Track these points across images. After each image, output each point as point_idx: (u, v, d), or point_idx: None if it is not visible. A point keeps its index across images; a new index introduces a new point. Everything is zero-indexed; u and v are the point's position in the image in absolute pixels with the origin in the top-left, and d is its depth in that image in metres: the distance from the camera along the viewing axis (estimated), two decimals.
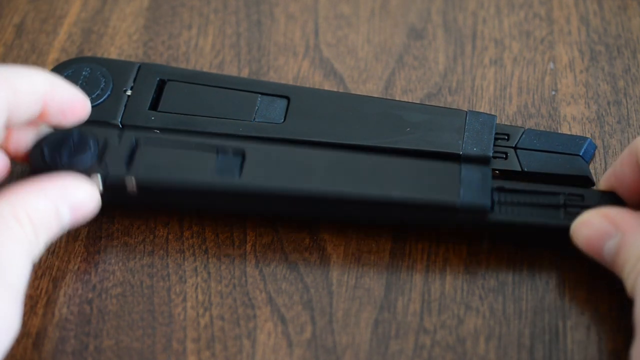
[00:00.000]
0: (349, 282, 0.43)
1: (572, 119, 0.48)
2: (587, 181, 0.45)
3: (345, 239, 0.45)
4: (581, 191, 0.43)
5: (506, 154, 0.46)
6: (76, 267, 0.44)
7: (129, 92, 0.47)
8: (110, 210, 0.45)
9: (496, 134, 0.46)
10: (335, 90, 0.50)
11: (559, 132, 0.48)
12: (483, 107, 0.49)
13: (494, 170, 0.46)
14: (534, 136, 0.46)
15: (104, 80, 0.47)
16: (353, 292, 0.43)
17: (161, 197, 0.44)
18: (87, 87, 0.47)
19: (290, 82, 0.50)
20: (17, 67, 0.41)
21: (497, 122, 0.47)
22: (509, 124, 0.48)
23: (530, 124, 0.48)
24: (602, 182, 0.43)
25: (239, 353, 0.41)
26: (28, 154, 0.43)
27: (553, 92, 0.50)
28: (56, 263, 0.44)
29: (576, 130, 0.48)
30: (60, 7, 0.54)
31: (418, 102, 0.49)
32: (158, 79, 0.48)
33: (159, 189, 0.43)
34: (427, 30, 0.53)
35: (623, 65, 0.50)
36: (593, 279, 0.43)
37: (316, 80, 0.51)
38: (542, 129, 0.48)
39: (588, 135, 0.48)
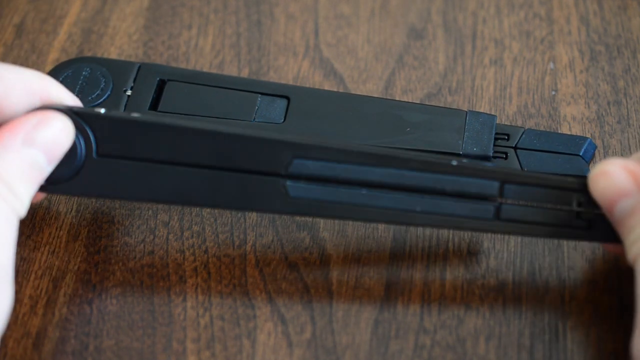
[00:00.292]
0: (349, 282, 0.43)
1: (572, 119, 0.48)
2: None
3: (345, 239, 0.45)
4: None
5: (506, 154, 0.46)
6: (76, 267, 0.44)
7: (129, 92, 0.47)
8: (110, 210, 0.45)
9: (496, 134, 0.46)
10: (335, 90, 0.50)
11: (559, 132, 0.48)
12: (483, 107, 0.49)
13: None
14: (534, 136, 0.46)
15: (104, 80, 0.47)
16: (353, 292, 0.43)
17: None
18: (87, 87, 0.47)
19: (290, 82, 0.50)
20: (7, 64, 0.40)
21: (497, 122, 0.47)
22: (509, 124, 0.48)
23: (530, 124, 0.48)
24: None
25: (239, 353, 0.41)
26: None
27: (553, 92, 0.50)
28: (56, 263, 0.44)
29: (576, 130, 0.48)
30: (60, 7, 0.54)
31: (418, 102, 0.49)
32: (158, 79, 0.48)
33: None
34: (427, 30, 0.53)
35: (623, 65, 0.50)
36: (593, 279, 0.43)
37: (316, 80, 0.51)
38: (542, 129, 0.48)
39: (588, 135, 0.48)
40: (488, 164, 0.42)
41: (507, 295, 0.42)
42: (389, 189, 0.41)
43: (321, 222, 0.45)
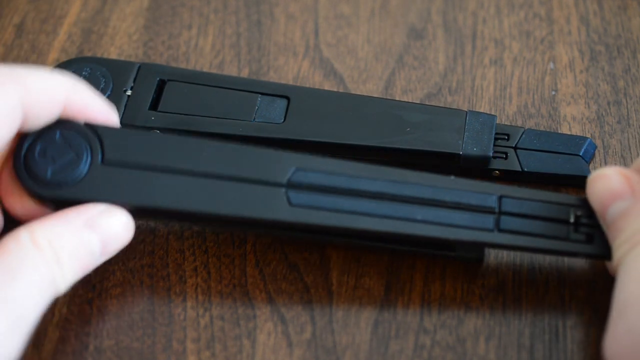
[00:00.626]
0: (349, 282, 0.43)
1: (572, 119, 0.48)
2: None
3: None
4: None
5: (506, 154, 0.46)
6: None
7: (129, 92, 0.47)
8: None
9: (496, 134, 0.46)
10: (335, 90, 0.50)
11: (559, 132, 0.48)
12: (483, 107, 0.49)
13: (494, 170, 0.46)
14: (534, 136, 0.46)
15: (104, 80, 0.47)
16: (353, 292, 0.43)
17: None
18: None
19: (290, 82, 0.50)
20: (33, 68, 0.40)
21: (497, 122, 0.47)
22: (509, 124, 0.48)
23: (530, 124, 0.48)
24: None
25: (239, 353, 0.41)
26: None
27: (553, 92, 0.50)
28: None
29: (576, 130, 0.48)
30: (60, 7, 0.54)
31: (418, 102, 0.49)
32: (158, 79, 0.48)
33: None
34: (427, 30, 0.53)
35: (623, 65, 0.50)
36: (593, 279, 0.43)
37: (316, 80, 0.51)
38: (542, 129, 0.48)
39: (588, 135, 0.48)
40: (485, 182, 0.42)
41: (507, 295, 0.42)
42: (389, 200, 0.41)
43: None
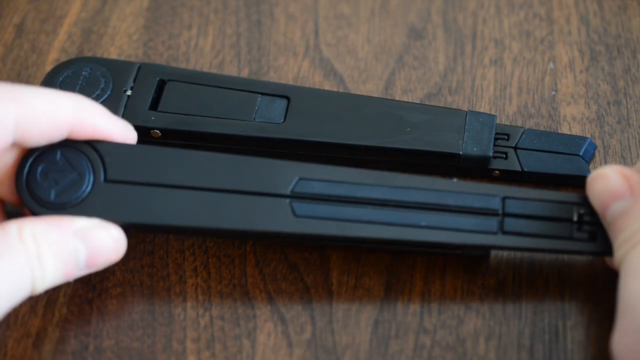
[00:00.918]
0: (349, 282, 0.43)
1: (572, 119, 0.48)
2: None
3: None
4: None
5: (506, 154, 0.46)
6: None
7: (129, 92, 0.47)
8: None
9: (496, 134, 0.46)
10: (335, 90, 0.50)
11: (559, 132, 0.48)
12: (483, 107, 0.49)
13: (494, 170, 0.46)
14: (533, 136, 0.46)
15: (104, 80, 0.47)
16: (353, 292, 0.43)
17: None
18: (87, 87, 0.47)
19: (290, 82, 0.50)
20: (39, 88, 0.40)
21: (497, 122, 0.47)
22: (509, 124, 0.48)
23: (530, 124, 0.48)
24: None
25: (239, 353, 0.41)
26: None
27: (553, 92, 0.50)
28: None
29: (576, 130, 0.48)
30: (60, 7, 0.54)
31: (418, 102, 0.49)
32: (158, 79, 0.48)
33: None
34: (427, 30, 0.53)
35: (623, 65, 0.50)
36: (593, 279, 0.43)
37: (316, 80, 0.51)
38: (542, 129, 0.48)
39: (588, 135, 0.48)
40: (488, 183, 0.42)
41: (507, 295, 0.42)
42: (393, 206, 0.41)
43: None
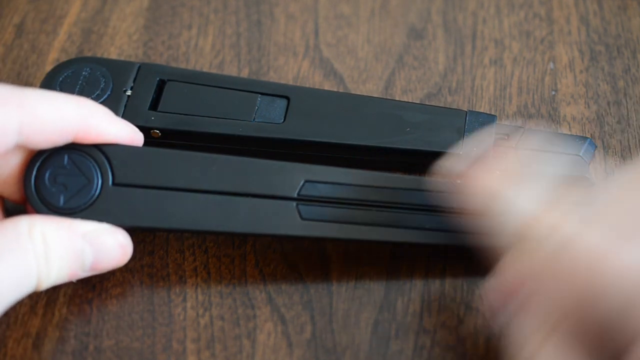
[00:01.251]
0: (349, 282, 0.43)
1: (572, 119, 0.48)
2: (586, 181, 0.45)
3: None
4: None
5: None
6: None
7: (129, 92, 0.47)
8: None
9: (496, 134, 0.46)
10: (335, 90, 0.50)
11: (559, 132, 0.48)
12: (483, 107, 0.49)
13: None
14: (533, 136, 0.46)
15: (103, 80, 0.47)
16: (353, 292, 0.43)
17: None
18: (87, 87, 0.47)
19: (290, 82, 0.50)
20: (45, 92, 0.40)
21: (497, 122, 0.47)
22: (509, 124, 0.48)
23: (530, 124, 0.48)
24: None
25: (239, 353, 0.41)
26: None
27: (553, 92, 0.50)
28: None
29: (576, 130, 0.48)
30: (60, 7, 0.54)
31: (418, 102, 0.49)
32: (158, 79, 0.48)
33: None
34: (427, 30, 0.53)
35: (623, 65, 0.50)
36: None
37: (316, 80, 0.51)
38: (542, 129, 0.48)
39: (588, 135, 0.48)
40: None
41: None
42: (399, 209, 0.42)
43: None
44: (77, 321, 0.42)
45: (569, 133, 0.48)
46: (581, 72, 0.50)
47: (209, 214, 0.41)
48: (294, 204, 0.41)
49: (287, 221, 0.41)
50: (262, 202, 0.41)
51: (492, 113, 0.48)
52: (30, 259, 0.38)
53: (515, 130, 0.46)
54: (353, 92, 0.50)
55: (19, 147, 0.40)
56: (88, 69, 0.48)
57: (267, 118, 0.46)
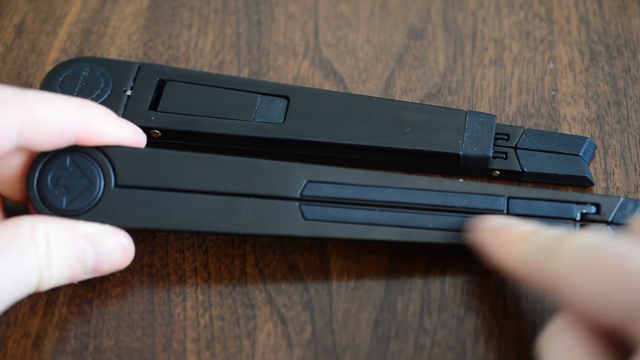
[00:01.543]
0: (349, 282, 0.43)
1: (572, 119, 0.48)
2: (586, 181, 0.45)
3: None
4: (597, 199, 0.42)
5: (506, 154, 0.46)
6: None
7: (128, 92, 0.47)
8: None
9: (496, 134, 0.46)
10: (335, 90, 0.50)
11: (559, 132, 0.48)
12: (483, 107, 0.49)
13: (494, 170, 0.46)
14: (533, 136, 0.46)
15: (103, 80, 0.47)
16: (353, 292, 0.43)
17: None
18: (87, 87, 0.47)
19: (290, 82, 0.50)
20: (47, 94, 0.40)
21: (497, 122, 0.47)
22: (509, 124, 0.48)
23: (530, 124, 0.48)
24: None
25: (238, 353, 0.41)
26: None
27: (553, 92, 0.50)
28: None
29: (576, 131, 0.48)
30: (60, 7, 0.54)
31: (418, 102, 0.49)
32: (158, 79, 0.48)
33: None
34: (427, 30, 0.53)
35: (623, 65, 0.50)
36: None
37: (316, 80, 0.51)
38: (542, 129, 0.48)
39: (588, 135, 0.48)
40: (492, 184, 0.43)
41: (507, 295, 0.42)
42: (401, 208, 0.42)
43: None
44: (77, 321, 0.42)
45: (569, 133, 0.48)
46: (581, 72, 0.50)
47: (212, 215, 0.41)
48: (297, 204, 0.42)
49: (290, 221, 0.41)
50: (265, 203, 0.41)
51: (492, 113, 0.48)
52: (31, 259, 0.38)
53: (515, 130, 0.46)
54: (353, 92, 0.50)
55: (21, 148, 0.40)
56: (88, 69, 0.48)
57: (267, 118, 0.46)
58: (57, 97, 0.40)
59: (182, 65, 0.51)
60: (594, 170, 0.46)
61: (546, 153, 0.46)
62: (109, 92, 0.47)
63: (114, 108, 0.46)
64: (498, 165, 0.46)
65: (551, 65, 0.51)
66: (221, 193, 0.42)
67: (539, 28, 0.52)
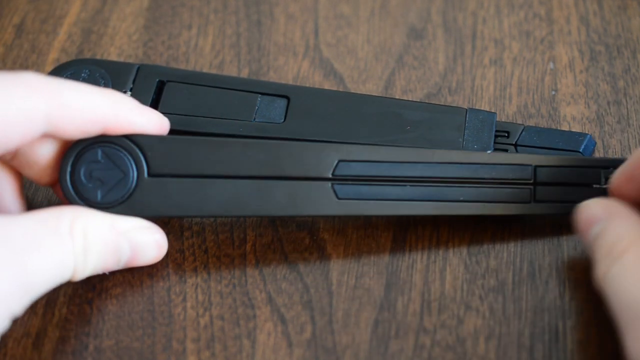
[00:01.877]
0: (349, 282, 0.43)
1: (572, 119, 0.48)
2: None
3: (345, 238, 0.45)
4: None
5: (506, 151, 0.46)
6: None
7: (128, 94, 0.47)
8: None
9: (496, 131, 0.46)
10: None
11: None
12: (483, 107, 0.49)
13: None
14: (533, 133, 0.46)
15: (103, 82, 0.47)
16: (353, 292, 0.43)
17: None
18: None
19: (290, 82, 0.50)
20: (73, 82, 0.40)
21: (497, 119, 0.47)
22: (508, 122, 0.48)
23: (530, 124, 0.48)
24: (613, 180, 0.42)
25: (238, 353, 0.41)
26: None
27: (553, 92, 0.50)
28: None
29: (576, 130, 0.48)
30: (60, 7, 0.54)
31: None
32: (157, 80, 0.48)
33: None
34: (427, 30, 0.53)
35: (623, 65, 0.50)
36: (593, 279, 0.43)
37: (316, 80, 0.51)
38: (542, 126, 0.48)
39: None
40: (519, 154, 0.45)
41: (507, 295, 0.42)
42: (432, 182, 0.43)
43: (321, 222, 0.45)
44: (77, 321, 0.42)
45: None
46: (581, 72, 0.50)
47: (245, 199, 0.42)
48: (329, 184, 0.42)
49: (324, 201, 0.42)
50: (298, 184, 0.42)
51: None
52: (68, 252, 0.39)
53: (515, 127, 0.46)
54: (353, 92, 0.50)
55: (48, 135, 0.40)
56: (87, 70, 0.48)
57: (268, 118, 0.47)
58: (84, 85, 0.40)
59: (182, 65, 0.51)
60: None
61: (546, 150, 0.46)
62: None
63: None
64: None
65: (551, 65, 0.51)
66: (254, 177, 0.42)
67: (539, 28, 0.52)
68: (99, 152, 0.41)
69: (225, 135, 0.46)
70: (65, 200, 0.42)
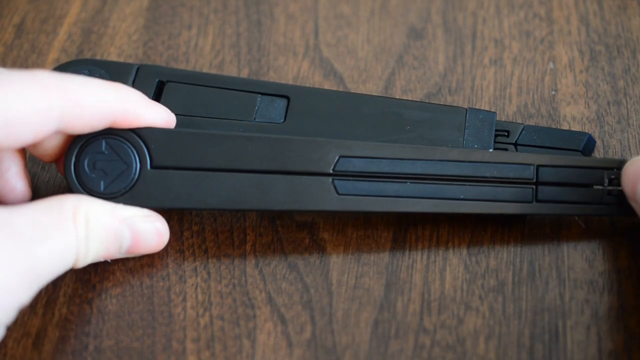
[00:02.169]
0: (348, 282, 0.43)
1: (572, 118, 0.48)
2: None
3: (345, 239, 0.45)
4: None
5: (507, 150, 0.46)
6: None
7: None
8: None
9: (496, 130, 0.46)
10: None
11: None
12: (483, 107, 0.49)
13: None
14: (533, 132, 0.46)
15: None
16: (353, 292, 0.43)
17: None
18: None
19: (290, 82, 0.50)
20: (86, 78, 0.41)
21: (497, 119, 0.47)
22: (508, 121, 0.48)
23: (530, 124, 0.48)
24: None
25: (238, 353, 0.41)
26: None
27: (553, 92, 0.50)
28: None
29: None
30: (60, 7, 0.54)
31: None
32: (157, 80, 0.48)
33: None
34: (427, 30, 0.53)
35: (623, 65, 0.50)
36: (593, 279, 0.43)
37: (316, 80, 0.51)
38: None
39: None
40: (521, 153, 0.45)
41: (507, 295, 0.42)
42: (433, 180, 0.43)
43: (321, 222, 0.45)
44: (77, 321, 0.42)
45: None
46: (581, 72, 0.50)
47: (247, 193, 0.42)
48: (330, 179, 0.42)
49: (324, 197, 0.42)
50: (299, 179, 0.42)
51: None
52: (71, 239, 0.39)
53: (515, 126, 0.46)
54: (353, 92, 0.50)
55: (59, 132, 0.41)
56: (86, 71, 0.48)
57: (268, 118, 0.47)
58: (94, 81, 0.41)
59: (182, 66, 0.51)
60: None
61: (546, 149, 0.46)
62: None
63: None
64: None
65: (551, 65, 0.51)
66: (255, 171, 0.42)
67: (539, 28, 0.52)
68: (103, 144, 0.42)
69: None
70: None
